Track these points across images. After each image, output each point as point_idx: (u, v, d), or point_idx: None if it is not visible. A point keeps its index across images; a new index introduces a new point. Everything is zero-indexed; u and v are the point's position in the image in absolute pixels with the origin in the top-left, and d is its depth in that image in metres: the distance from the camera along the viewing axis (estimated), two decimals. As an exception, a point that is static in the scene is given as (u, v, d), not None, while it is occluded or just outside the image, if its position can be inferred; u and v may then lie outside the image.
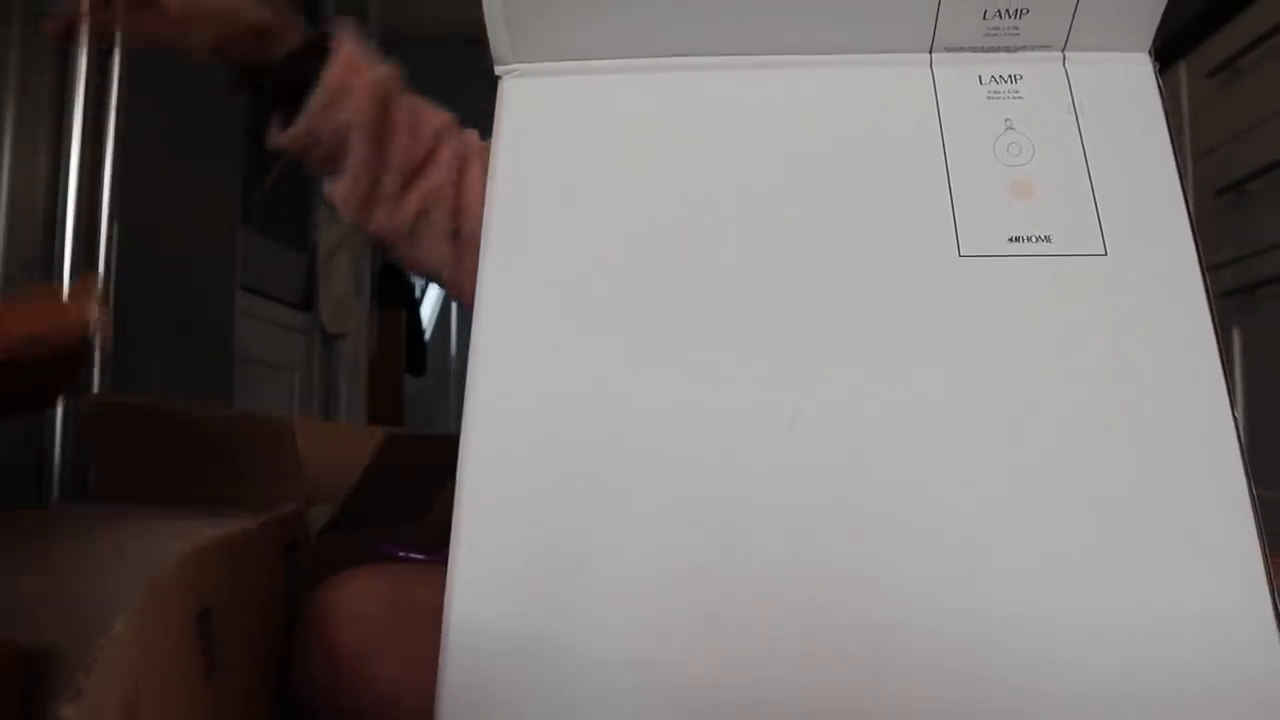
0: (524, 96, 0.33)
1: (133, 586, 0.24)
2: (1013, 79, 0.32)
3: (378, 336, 2.32)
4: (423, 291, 2.69)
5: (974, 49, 0.32)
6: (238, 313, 1.39)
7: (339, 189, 0.58)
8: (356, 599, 0.39)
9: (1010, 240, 0.30)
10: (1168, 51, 1.47)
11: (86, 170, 0.98)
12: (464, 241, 0.60)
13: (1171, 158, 0.30)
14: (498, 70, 0.34)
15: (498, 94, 0.33)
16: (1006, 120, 0.31)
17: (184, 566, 0.28)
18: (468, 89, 0.67)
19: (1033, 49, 0.32)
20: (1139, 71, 0.32)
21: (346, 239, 2.04)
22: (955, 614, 0.26)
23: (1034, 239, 0.30)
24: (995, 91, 0.32)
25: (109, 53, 1.00)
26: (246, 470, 0.67)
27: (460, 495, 0.28)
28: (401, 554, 0.51)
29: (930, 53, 0.32)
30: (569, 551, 0.27)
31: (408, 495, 0.69)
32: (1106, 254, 0.29)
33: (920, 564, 0.26)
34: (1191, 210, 0.30)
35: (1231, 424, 0.27)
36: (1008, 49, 0.32)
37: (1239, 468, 0.27)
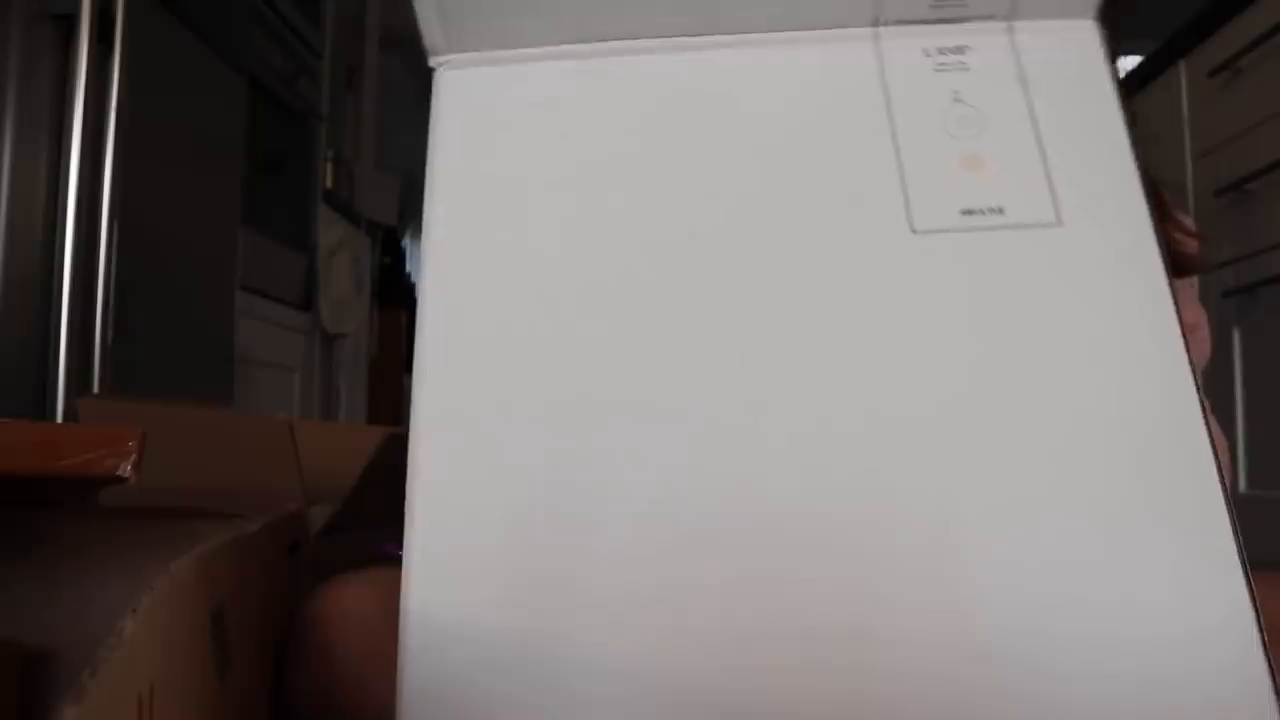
0: (459, 87, 0.32)
1: (136, 587, 0.24)
2: (959, 50, 0.31)
3: (378, 336, 2.33)
4: (422, 291, 2.68)
5: (919, 21, 0.32)
6: (238, 313, 1.39)
7: None
8: (353, 604, 0.39)
9: (963, 213, 0.29)
10: (1168, 52, 1.47)
11: (86, 170, 0.98)
12: None
13: (1122, 125, 0.30)
14: (432, 62, 0.33)
15: (433, 86, 0.32)
16: (955, 93, 0.31)
17: (201, 566, 0.28)
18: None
19: (978, 19, 0.31)
20: (1085, 38, 0.31)
21: (346, 239, 2.04)
22: (935, 616, 0.25)
23: (987, 210, 0.29)
24: (942, 64, 0.31)
25: (109, 53, 1.00)
26: (246, 470, 0.67)
27: (412, 506, 0.28)
28: (401, 553, 0.51)
29: (875, 26, 0.32)
30: (546, 562, 0.27)
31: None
32: (1060, 222, 0.29)
33: (897, 565, 0.26)
34: (1143, 177, 0.29)
35: (1197, 401, 0.27)
36: (953, 20, 0.32)
37: (1208, 452, 0.26)
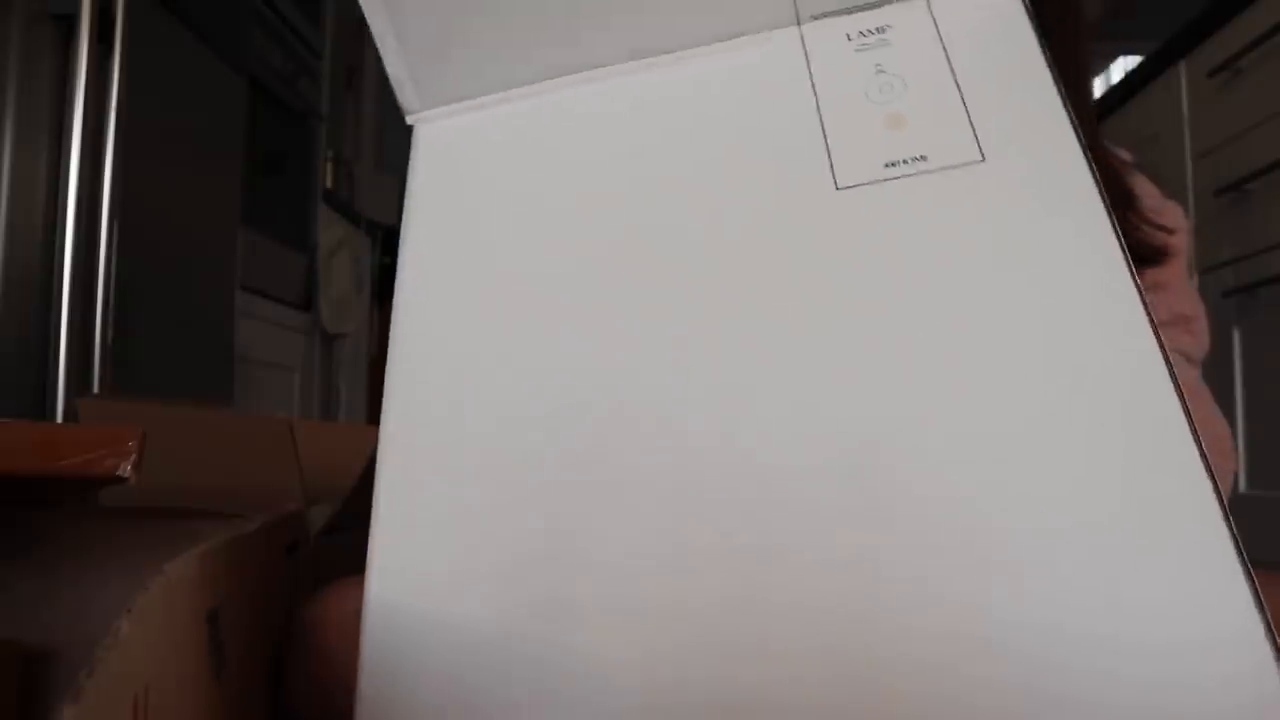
0: (434, 138, 0.36)
1: (135, 587, 0.24)
2: (880, 30, 0.33)
3: (378, 336, 2.32)
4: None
5: (839, 12, 0.33)
6: (238, 313, 1.39)
7: None
8: (354, 607, 0.39)
9: (887, 166, 0.30)
10: (1168, 52, 1.47)
11: (86, 170, 0.98)
12: None
13: (1047, 73, 0.30)
14: (409, 120, 0.37)
15: (412, 142, 0.36)
16: (877, 65, 0.32)
17: (197, 566, 0.28)
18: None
19: (897, 2, 0.33)
20: (1006, 3, 0.32)
21: (346, 239, 2.04)
22: (937, 608, 0.25)
23: (910, 160, 0.30)
24: (864, 44, 0.33)
25: (109, 53, 1.00)
26: (246, 470, 0.67)
27: (378, 507, 0.29)
28: None
29: (798, 25, 0.34)
30: (544, 547, 0.27)
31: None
32: (984, 159, 0.29)
33: (898, 554, 0.26)
34: (1072, 115, 0.29)
35: (1141, 305, 0.26)
36: (872, 6, 0.33)
37: (1176, 399, 0.25)
